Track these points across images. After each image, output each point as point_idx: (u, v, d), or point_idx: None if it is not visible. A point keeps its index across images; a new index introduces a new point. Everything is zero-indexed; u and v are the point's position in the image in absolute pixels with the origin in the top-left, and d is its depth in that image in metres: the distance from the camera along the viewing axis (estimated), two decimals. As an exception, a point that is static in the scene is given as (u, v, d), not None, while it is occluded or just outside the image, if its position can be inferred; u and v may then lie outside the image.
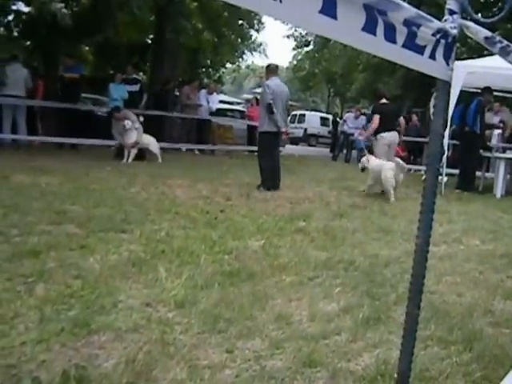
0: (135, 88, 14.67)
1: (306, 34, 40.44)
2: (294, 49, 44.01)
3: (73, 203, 6.27)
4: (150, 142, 12.26)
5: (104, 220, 5.54)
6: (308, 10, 1.53)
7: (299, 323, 3.29)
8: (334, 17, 1.58)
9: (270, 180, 9.15)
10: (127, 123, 11.57)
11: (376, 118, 10.41)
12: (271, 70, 9.58)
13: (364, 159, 9.68)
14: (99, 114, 15.18)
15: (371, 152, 10.50)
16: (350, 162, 18.92)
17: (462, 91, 10.47)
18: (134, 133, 11.68)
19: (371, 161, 9.50)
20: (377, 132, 10.49)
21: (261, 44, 30.46)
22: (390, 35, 1.78)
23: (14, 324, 2.93)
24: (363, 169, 9.62)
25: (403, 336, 2.25)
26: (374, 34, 1.72)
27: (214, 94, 17.82)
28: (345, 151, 20.31)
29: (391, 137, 10.55)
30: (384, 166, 9.12)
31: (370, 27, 1.70)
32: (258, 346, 2.90)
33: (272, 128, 9.22)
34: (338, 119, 25.37)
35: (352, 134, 19.11)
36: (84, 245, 4.58)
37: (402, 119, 12.54)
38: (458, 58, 2.24)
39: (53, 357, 2.60)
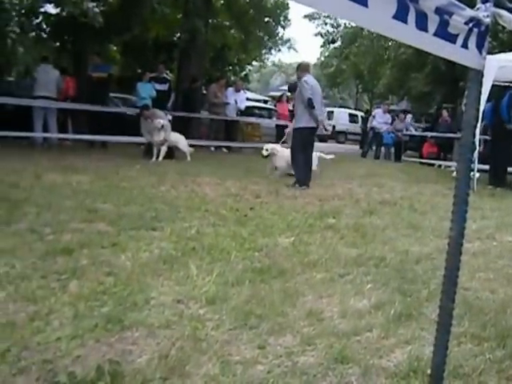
0: (164, 87, 14.74)
1: (334, 30, 40.31)
2: (322, 46, 43.86)
3: (104, 201, 6.34)
4: (179, 140, 12.31)
5: (135, 218, 5.59)
6: None
7: (330, 320, 3.29)
8: (365, 4, 1.57)
9: (305, 177, 9.17)
10: (158, 122, 11.64)
11: None
12: (304, 67, 9.61)
13: (268, 146, 10.20)
14: (128, 114, 15.27)
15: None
16: (379, 159, 18.77)
17: (493, 85, 10.31)
18: (162, 131, 11.74)
19: (278, 148, 10.16)
20: None
21: (288, 40, 30.36)
22: (422, 23, 1.76)
23: (49, 320, 2.98)
24: (266, 156, 10.19)
25: (437, 330, 2.24)
26: (406, 22, 1.70)
27: (242, 92, 17.83)
28: (374, 148, 20.14)
29: None
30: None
31: (401, 15, 1.68)
32: (289, 342, 2.91)
33: (311, 123, 9.31)
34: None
35: (380, 130, 18.97)
36: (115, 242, 4.63)
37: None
38: (489, 53, 2.20)
39: (87, 352, 2.64)
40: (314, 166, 9.87)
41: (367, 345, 2.94)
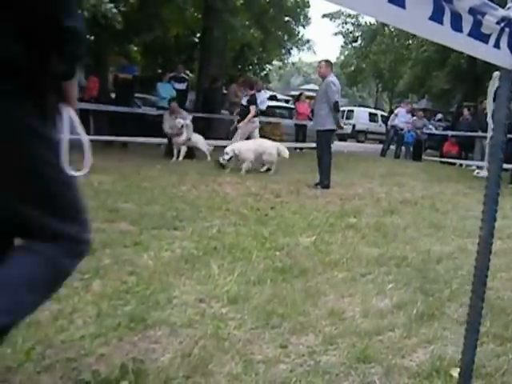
0: (182, 86, 14.82)
1: (355, 29, 40.15)
2: (342, 46, 43.69)
3: (125, 201, 6.39)
4: (199, 141, 12.36)
5: (156, 217, 5.62)
6: (378, 0, 1.53)
7: (352, 319, 3.28)
8: (403, 6, 1.58)
9: (328, 178, 9.18)
10: (178, 122, 11.70)
11: (253, 108, 11.86)
12: (329, 66, 9.56)
13: (228, 150, 10.36)
14: (148, 114, 15.35)
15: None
16: (399, 158, 18.65)
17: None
18: (184, 130, 11.81)
19: (237, 145, 10.55)
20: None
21: (308, 40, 30.28)
22: (457, 24, 1.75)
23: (73, 319, 3.01)
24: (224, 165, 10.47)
25: (466, 330, 2.23)
26: (441, 23, 1.70)
27: (262, 91, 17.81)
28: (393, 146, 20.00)
29: (258, 120, 12.47)
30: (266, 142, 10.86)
31: (437, 16, 1.68)
32: (311, 342, 2.91)
33: (334, 126, 9.33)
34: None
35: (402, 129, 18.84)
36: (137, 242, 4.67)
37: None
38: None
39: (111, 351, 2.66)
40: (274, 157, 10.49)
41: (389, 344, 2.93)
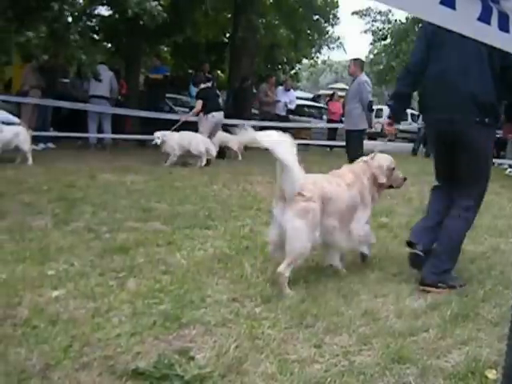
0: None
1: (385, 27, 39.74)
2: (371, 43, 43.25)
3: (158, 201, 6.45)
4: (230, 140, 12.38)
5: (189, 217, 5.66)
6: (430, 1, 1.53)
7: (386, 319, 3.27)
8: (453, 7, 1.57)
9: None
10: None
11: (199, 103, 11.43)
12: (361, 64, 9.52)
13: (159, 134, 10.56)
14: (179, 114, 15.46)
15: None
16: (429, 157, 18.42)
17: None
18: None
19: (168, 134, 10.66)
20: (206, 112, 11.48)
21: (338, 38, 30.07)
22: (504, 24, 1.73)
23: (109, 317, 3.06)
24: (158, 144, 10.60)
25: (510, 330, 2.19)
26: (489, 24, 1.68)
27: (291, 90, 17.79)
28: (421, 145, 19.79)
29: (219, 115, 11.75)
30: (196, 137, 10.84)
31: (485, 16, 1.66)
32: (345, 342, 2.91)
33: (366, 125, 9.33)
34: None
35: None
36: (170, 241, 4.71)
37: None
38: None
39: (147, 349, 2.69)
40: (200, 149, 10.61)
41: (424, 345, 2.92)
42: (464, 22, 1.66)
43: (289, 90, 17.37)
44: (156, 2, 10.06)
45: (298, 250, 3.63)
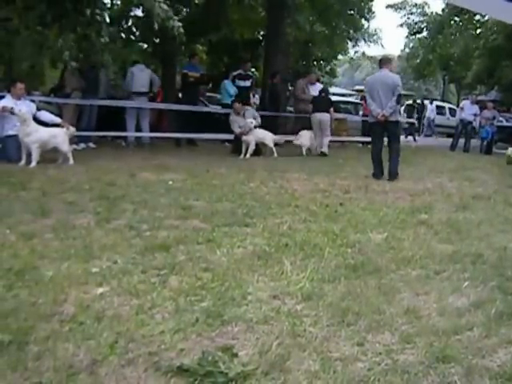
0: (247, 84, 14.95)
1: (421, 20, 39.29)
2: (407, 37, 42.75)
3: (196, 199, 6.49)
4: (266, 137, 12.40)
5: (227, 214, 5.69)
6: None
7: (428, 317, 3.24)
8: None
9: (376, 168, 9.48)
10: (250, 122, 11.89)
11: None
12: (391, 60, 9.80)
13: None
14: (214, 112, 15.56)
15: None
16: (468, 152, 18.19)
17: None
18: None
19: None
20: None
21: (375, 33, 29.76)
22: None
23: (153, 314, 3.11)
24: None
25: None
26: None
27: (317, 83, 17.50)
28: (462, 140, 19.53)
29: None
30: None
31: None
32: (388, 340, 2.90)
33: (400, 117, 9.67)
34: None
35: (470, 122, 18.40)
36: (210, 239, 4.74)
37: None
38: None
39: (191, 345, 2.73)
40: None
41: (468, 344, 2.88)
42: None
43: (314, 84, 17.02)
44: (180, 24, 10.26)
45: None
